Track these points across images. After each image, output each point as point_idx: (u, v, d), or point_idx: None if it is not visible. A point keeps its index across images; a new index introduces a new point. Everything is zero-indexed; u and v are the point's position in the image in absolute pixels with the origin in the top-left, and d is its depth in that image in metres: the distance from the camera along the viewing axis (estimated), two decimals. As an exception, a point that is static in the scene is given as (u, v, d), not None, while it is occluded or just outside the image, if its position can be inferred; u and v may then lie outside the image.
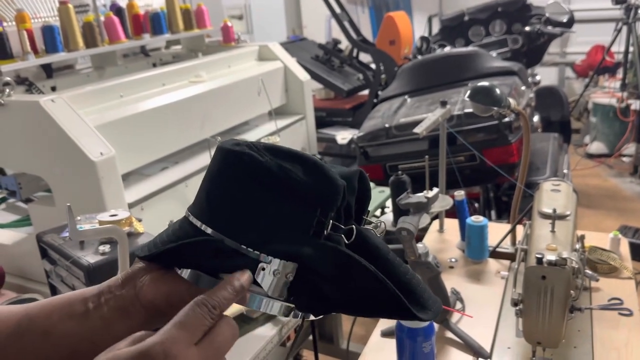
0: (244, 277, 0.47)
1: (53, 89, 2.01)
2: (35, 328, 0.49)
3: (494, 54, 3.05)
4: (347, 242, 0.49)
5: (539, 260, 0.91)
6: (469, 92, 1.20)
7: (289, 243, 0.47)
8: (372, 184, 2.18)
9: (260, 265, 0.48)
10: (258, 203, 0.48)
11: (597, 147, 4.53)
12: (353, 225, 0.50)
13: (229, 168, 0.49)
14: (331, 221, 0.48)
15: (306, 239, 0.48)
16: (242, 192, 0.48)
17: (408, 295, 0.49)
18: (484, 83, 1.19)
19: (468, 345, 1.10)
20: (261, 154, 0.49)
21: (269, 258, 0.48)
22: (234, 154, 0.49)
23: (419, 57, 3.33)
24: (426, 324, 0.90)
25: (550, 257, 0.91)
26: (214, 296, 0.45)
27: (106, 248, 1.15)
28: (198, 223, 0.50)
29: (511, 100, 1.23)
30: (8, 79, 1.59)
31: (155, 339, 0.41)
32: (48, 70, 2.05)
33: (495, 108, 1.17)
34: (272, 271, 0.48)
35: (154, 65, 2.49)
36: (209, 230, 0.49)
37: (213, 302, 0.44)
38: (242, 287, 0.47)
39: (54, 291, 1.31)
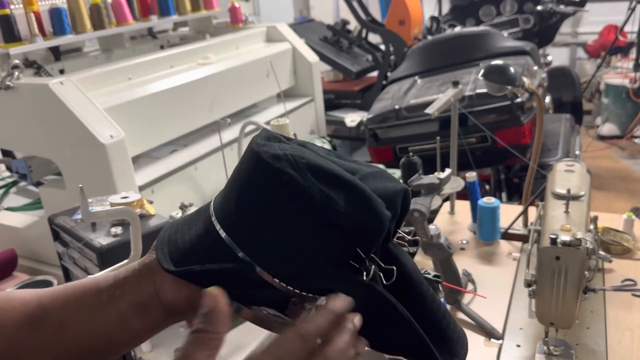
0: (339, 304, 0.44)
1: (61, 71, 2.01)
2: (50, 321, 0.47)
3: (505, 33, 3.00)
4: (385, 282, 0.46)
5: (553, 241, 0.90)
6: (482, 70, 1.18)
7: (326, 279, 0.44)
8: (381, 166, 2.17)
9: (306, 306, 0.45)
10: (294, 230, 0.43)
11: (608, 128, 4.47)
12: (394, 267, 0.47)
13: (266, 184, 0.44)
14: (372, 256, 0.45)
15: (343, 275, 0.44)
16: (277, 214, 0.43)
17: (438, 341, 0.47)
18: (498, 62, 1.17)
19: (480, 326, 1.10)
20: (303, 175, 0.43)
21: (305, 294, 0.45)
22: (272, 170, 0.43)
23: (429, 37, 3.29)
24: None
25: (565, 237, 0.89)
26: (311, 324, 0.43)
27: (118, 230, 1.16)
28: (227, 239, 0.45)
29: (525, 80, 1.21)
30: (17, 61, 1.58)
31: None
32: (56, 53, 2.04)
33: (510, 87, 1.15)
34: (312, 307, 0.45)
35: (162, 47, 2.47)
36: (239, 254, 0.45)
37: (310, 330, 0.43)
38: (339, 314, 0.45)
39: (67, 273, 1.32)
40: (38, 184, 1.82)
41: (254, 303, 0.47)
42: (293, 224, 0.43)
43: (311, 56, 2.55)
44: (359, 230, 0.43)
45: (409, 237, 0.52)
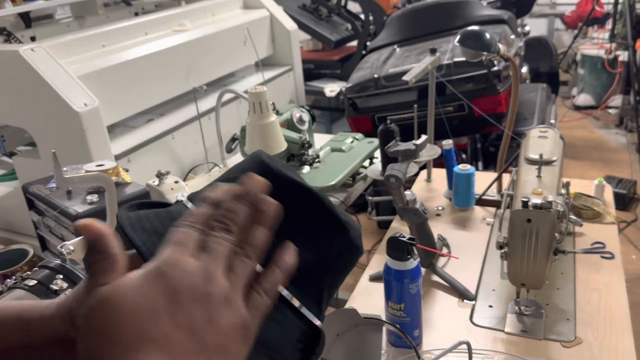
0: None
1: (32, 39, 1.95)
2: None
3: (483, 2, 3.00)
4: None
5: (525, 204, 0.92)
6: (458, 37, 1.18)
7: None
8: (360, 135, 2.18)
9: None
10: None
11: (584, 99, 4.54)
12: None
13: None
14: None
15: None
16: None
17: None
18: (474, 27, 1.18)
19: (454, 288, 1.13)
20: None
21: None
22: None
23: (409, 5, 3.27)
24: (413, 265, 0.92)
25: (536, 200, 0.92)
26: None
27: (94, 198, 1.15)
28: None
29: (501, 47, 1.22)
30: (-15, 27, 1.53)
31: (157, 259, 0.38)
32: (26, 20, 1.98)
33: (485, 53, 1.16)
34: None
35: (136, 14, 2.41)
36: None
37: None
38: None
39: (43, 242, 1.31)
40: (12, 154, 1.78)
41: None
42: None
43: (290, 24, 2.51)
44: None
45: None
